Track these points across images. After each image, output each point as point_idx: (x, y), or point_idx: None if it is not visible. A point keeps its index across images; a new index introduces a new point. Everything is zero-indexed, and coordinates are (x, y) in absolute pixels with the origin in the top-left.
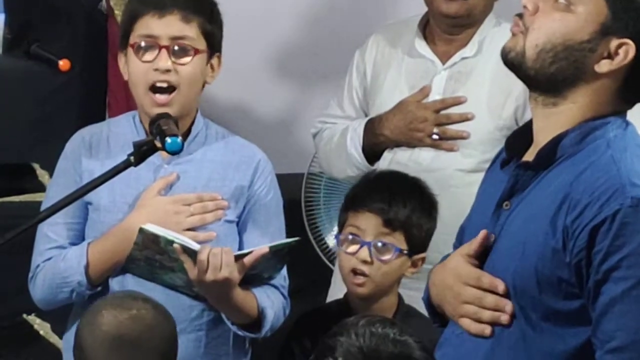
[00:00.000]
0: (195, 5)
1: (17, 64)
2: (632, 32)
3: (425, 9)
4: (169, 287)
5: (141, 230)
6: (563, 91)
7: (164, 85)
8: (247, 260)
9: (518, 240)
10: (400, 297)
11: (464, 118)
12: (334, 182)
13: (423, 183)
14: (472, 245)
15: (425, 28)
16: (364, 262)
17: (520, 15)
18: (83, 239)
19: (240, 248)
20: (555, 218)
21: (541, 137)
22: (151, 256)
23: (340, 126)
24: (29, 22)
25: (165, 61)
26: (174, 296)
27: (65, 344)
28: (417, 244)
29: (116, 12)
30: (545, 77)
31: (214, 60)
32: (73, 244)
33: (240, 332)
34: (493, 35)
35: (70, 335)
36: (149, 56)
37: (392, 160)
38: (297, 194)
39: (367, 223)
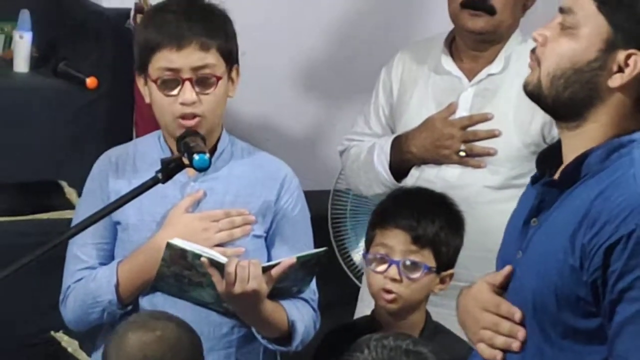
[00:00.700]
0: (211, 30)
1: (44, 82)
2: (637, 42)
3: (451, 26)
4: (198, 304)
5: (168, 246)
6: (583, 113)
7: (191, 116)
8: (274, 271)
9: (540, 258)
10: (427, 314)
11: (491, 135)
12: (360, 198)
13: (450, 199)
14: (497, 277)
15: (452, 45)
16: (393, 280)
17: (534, 50)
18: (113, 259)
19: (268, 262)
20: (575, 236)
21: (569, 157)
22: (179, 272)
23: (367, 143)
24: (57, 41)
25: (189, 94)
26: (204, 313)
27: None
28: (445, 261)
29: None
30: (562, 103)
31: (233, 73)
32: (103, 264)
33: (270, 346)
34: (519, 51)
35: (98, 354)
36: (172, 90)
37: (419, 177)
38: (323, 211)
39: (396, 240)
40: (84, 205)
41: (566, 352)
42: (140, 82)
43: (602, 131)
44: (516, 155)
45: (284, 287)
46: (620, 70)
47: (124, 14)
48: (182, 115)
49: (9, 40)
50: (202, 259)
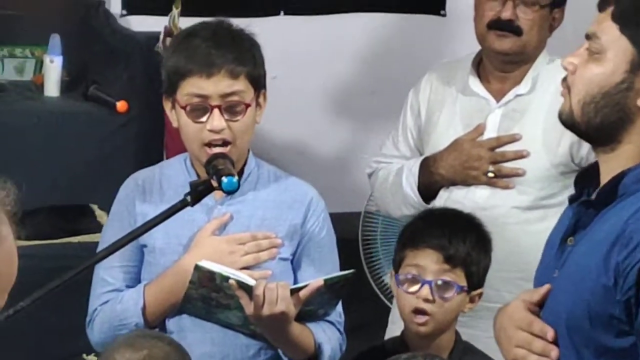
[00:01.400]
0: (240, 57)
1: (75, 106)
2: None
3: (478, 48)
4: (225, 326)
5: (197, 268)
6: (616, 136)
7: (219, 143)
8: (302, 293)
9: (575, 276)
10: (457, 334)
11: (519, 155)
12: (391, 220)
13: (478, 219)
14: (535, 295)
15: (479, 66)
16: (426, 300)
17: (565, 79)
18: (139, 282)
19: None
20: (609, 255)
21: (606, 177)
22: (207, 294)
23: (395, 165)
24: (87, 65)
25: (218, 121)
26: (232, 335)
27: None
28: (475, 280)
29: None
30: (594, 128)
31: (261, 99)
32: (129, 286)
33: None
34: (547, 72)
35: None
36: (201, 117)
37: (448, 198)
38: (354, 233)
39: (428, 260)
40: (111, 229)
41: None
42: (167, 106)
43: (638, 152)
44: (545, 176)
45: (311, 309)
46: None
47: (153, 37)
48: (210, 141)
49: (39, 65)
50: (230, 281)
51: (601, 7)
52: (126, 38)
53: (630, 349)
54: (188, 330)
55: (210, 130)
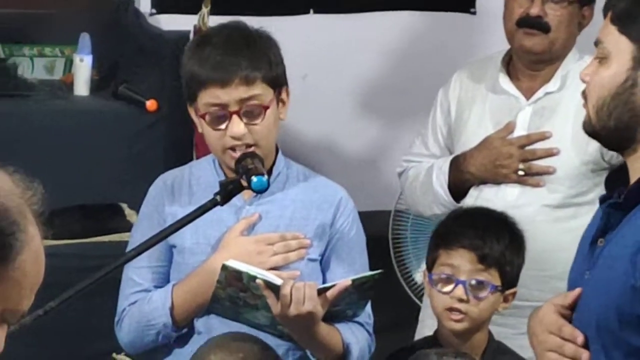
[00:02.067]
0: (255, 61)
1: (104, 105)
2: None
3: (507, 46)
4: (253, 327)
5: (224, 267)
6: (634, 136)
7: (242, 147)
8: (330, 293)
9: (604, 278)
10: (490, 334)
11: (549, 153)
12: (421, 219)
13: (511, 218)
14: (567, 299)
15: (509, 65)
16: (460, 300)
17: (584, 90)
18: (168, 282)
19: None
20: (636, 255)
21: (633, 178)
22: (234, 294)
23: (425, 164)
24: (117, 64)
25: (237, 126)
26: (260, 336)
27: None
28: (509, 279)
29: None
30: (611, 132)
31: (283, 95)
32: (158, 287)
33: None
34: (576, 69)
35: None
36: (221, 124)
37: (478, 197)
38: (384, 231)
39: (462, 260)
40: (140, 229)
41: None
42: (191, 111)
43: None
44: (575, 174)
45: (338, 310)
46: None
47: (183, 36)
48: (232, 147)
49: (69, 64)
50: (258, 280)
51: (604, 13)
52: (156, 37)
53: None
54: (216, 330)
55: (232, 137)
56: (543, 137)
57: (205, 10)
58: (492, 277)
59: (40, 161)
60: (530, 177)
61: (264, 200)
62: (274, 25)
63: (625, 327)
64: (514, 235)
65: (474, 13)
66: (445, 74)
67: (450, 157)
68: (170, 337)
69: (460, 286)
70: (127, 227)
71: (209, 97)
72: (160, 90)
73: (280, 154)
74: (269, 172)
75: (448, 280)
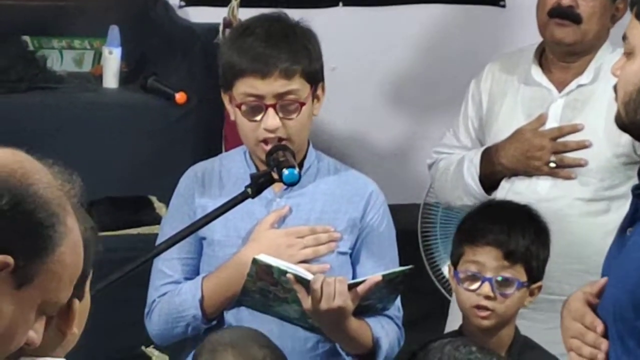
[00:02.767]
0: (295, 55)
1: (133, 98)
2: None
3: (538, 39)
4: (283, 319)
5: (254, 261)
6: None
7: (275, 140)
8: (360, 288)
9: (624, 266)
10: (516, 329)
11: (582, 146)
12: (450, 212)
13: (535, 211)
14: (594, 287)
15: (541, 57)
16: (487, 297)
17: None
18: (197, 274)
19: (353, 279)
20: None
21: None
22: (265, 287)
23: (456, 156)
24: (146, 56)
25: (273, 120)
26: (289, 328)
27: None
28: (536, 274)
29: None
30: (638, 126)
31: (319, 91)
32: (188, 279)
33: None
34: (609, 62)
35: None
36: (256, 115)
37: (510, 190)
38: (413, 225)
39: (487, 257)
40: (171, 221)
41: None
42: (225, 99)
43: None
44: (606, 166)
45: (368, 304)
46: None
47: (212, 29)
48: (265, 139)
49: (98, 56)
50: (288, 275)
51: (631, 9)
52: (185, 29)
53: None
54: (246, 323)
55: (265, 129)
56: (575, 129)
57: (235, 2)
58: (518, 274)
59: (69, 154)
60: (562, 169)
61: (295, 193)
62: (303, 18)
63: (639, 314)
64: (539, 229)
65: (504, 6)
66: (474, 67)
67: (482, 149)
68: (200, 329)
69: (486, 283)
70: (157, 219)
71: (247, 87)
72: (189, 82)
73: (311, 147)
74: (300, 165)
75: (474, 277)
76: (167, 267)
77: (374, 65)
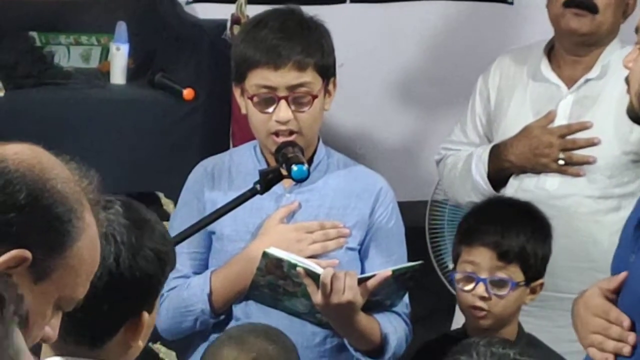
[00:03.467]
0: (308, 48)
1: (141, 94)
2: None
3: (548, 35)
4: (291, 314)
5: (265, 255)
6: None
7: (286, 133)
8: (370, 283)
9: None
10: (520, 327)
11: (590, 143)
12: (458, 209)
13: (534, 207)
14: (612, 282)
15: (550, 53)
16: (482, 298)
17: (627, 77)
18: (206, 269)
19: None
20: None
21: None
22: (274, 282)
23: (464, 152)
24: (153, 52)
25: (285, 112)
26: (297, 323)
27: None
28: (534, 272)
29: None
30: None
31: (330, 86)
32: (197, 273)
33: (363, 359)
34: (619, 58)
35: None
36: (268, 107)
37: (519, 187)
38: (421, 222)
39: (481, 258)
40: (180, 215)
41: None
42: (237, 92)
43: None
44: (615, 164)
45: (377, 300)
46: None
47: (220, 25)
48: (276, 132)
49: (105, 52)
50: (298, 269)
51: None
52: (193, 26)
53: None
54: (254, 317)
55: (277, 121)
56: (584, 127)
57: None
58: (513, 274)
59: (76, 150)
60: (571, 166)
61: (304, 189)
62: (311, 14)
63: None
64: (537, 226)
65: (511, 3)
66: (481, 64)
67: (490, 146)
68: (208, 324)
69: (481, 284)
70: (164, 216)
71: (260, 78)
72: (196, 79)
73: (321, 143)
74: (310, 161)
75: (469, 278)
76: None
77: (381, 62)
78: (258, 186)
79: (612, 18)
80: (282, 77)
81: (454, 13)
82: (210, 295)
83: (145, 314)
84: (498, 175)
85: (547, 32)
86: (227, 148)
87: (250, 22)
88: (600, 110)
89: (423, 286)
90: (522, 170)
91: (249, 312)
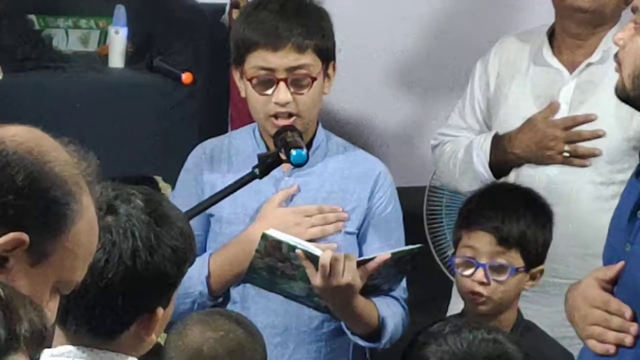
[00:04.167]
0: (308, 30)
1: (139, 78)
2: None
3: (548, 20)
4: (289, 297)
5: (264, 236)
6: None
7: (285, 115)
8: (369, 266)
9: None
10: (519, 312)
11: (595, 135)
12: (455, 195)
13: (535, 193)
14: (608, 273)
15: (551, 39)
16: (481, 283)
17: (617, 55)
18: (204, 251)
19: None
20: None
21: None
22: (273, 264)
23: (463, 140)
24: (152, 36)
25: (284, 94)
26: (295, 306)
27: None
28: (534, 258)
29: None
30: None
31: (330, 70)
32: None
33: (360, 342)
34: None
35: None
36: (267, 89)
37: (519, 173)
38: (419, 207)
39: (481, 243)
40: (178, 197)
41: None
42: (236, 75)
43: None
44: (616, 149)
45: (375, 284)
46: None
47: (219, 9)
48: (275, 114)
49: (104, 36)
50: (297, 250)
51: None
52: (192, 9)
53: None
54: (251, 300)
55: (276, 103)
56: (588, 119)
57: None
58: (513, 259)
59: (74, 133)
60: (576, 158)
61: (303, 172)
62: None
63: None
64: (537, 212)
65: None
66: (481, 49)
67: (490, 135)
68: (206, 306)
69: (480, 269)
70: None
71: (259, 60)
72: (195, 62)
73: (320, 127)
74: (309, 144)
75: (469, 263)
76: None
77: (379, 46)
78: (257, 171)
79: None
80: (281, 59)
81: None
82: (208, 277)
83: (160, 310)
84: (501, 166)
85: (547, 17)
86: (226, 132)
87: (250, 4)
88: (602, 96)
89: (421, 271)
90: (528, 161)
91: (246, 295)
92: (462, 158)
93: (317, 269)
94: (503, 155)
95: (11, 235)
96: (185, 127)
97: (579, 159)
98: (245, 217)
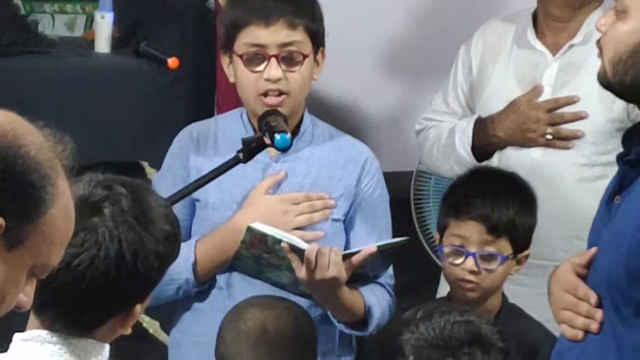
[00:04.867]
0: (299, 10)
1: (125, 63)
2: None
3: (532, 4)
4: (275, 285)
5: (249, 229)
6: None
7: (276, 93)
8: (355, 259)
9: (616, 235)
10: (504, 297)
11: (578, 117)
12: (442, 180)
13: (520, 178)
14: (584, 257)
15: (535, 22)
16: (471, 272)
17: (599, 41)
18: (189, 236)
19: (347, 246)
20: None
21: None
22: (258, 255)
23: (446, 125)
24: (138, 21)
25: (275, 70)
26: (280, 294)
27: (172, 341)
28: (521, 244)
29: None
30: (626, 88)
31: (319, 56)
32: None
33: (346, 331)
34: None
35: (176, 332)
36: (258, 66)
37: (502, 155)
38: (406, 192)
39: (471, 231)
40: (163, 180)
41: (637, 330)
42: (225, 61)
43: None
44: (600, 131)
45: (361, 272)
46: None
47: None
48: (266, 91)
49: (90, 21)
50: (283, 244)
51: None
52: None
53: None
54: (237, 287)
55: (267, 80)
56: (571, 101)
57: None
58: (503, 247)
59: (60, 118)
60: (558, 140)
61: (290, 158)
62: None
63: (634, 284)
64: (524, 198)
65: None
66: (468, 34)
67: (473, 119)
68: (191, 292)
69: (470, 258)
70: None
71: (250, 37)
72: (181, 48)
73: (306, 112)
74: (296, 130)
75: (458, 252)
76: None
77: (367, 31)
78: (241, 155)
79: None
80: (273, 35)
81: None
82: (194, 264)
83: (138, 307)
84: (483, 150)
85: (533, 2)
86: (212, 117)
87: None
88: (585, 78)
89: (408, 257)
90: (510, 144)
91: (233, 282)
92: (445, 143)
93: (302, 262)
94: (486, 138)
95: None
96: (171, 112)
97: (561, 141)
98: (232, 203)
